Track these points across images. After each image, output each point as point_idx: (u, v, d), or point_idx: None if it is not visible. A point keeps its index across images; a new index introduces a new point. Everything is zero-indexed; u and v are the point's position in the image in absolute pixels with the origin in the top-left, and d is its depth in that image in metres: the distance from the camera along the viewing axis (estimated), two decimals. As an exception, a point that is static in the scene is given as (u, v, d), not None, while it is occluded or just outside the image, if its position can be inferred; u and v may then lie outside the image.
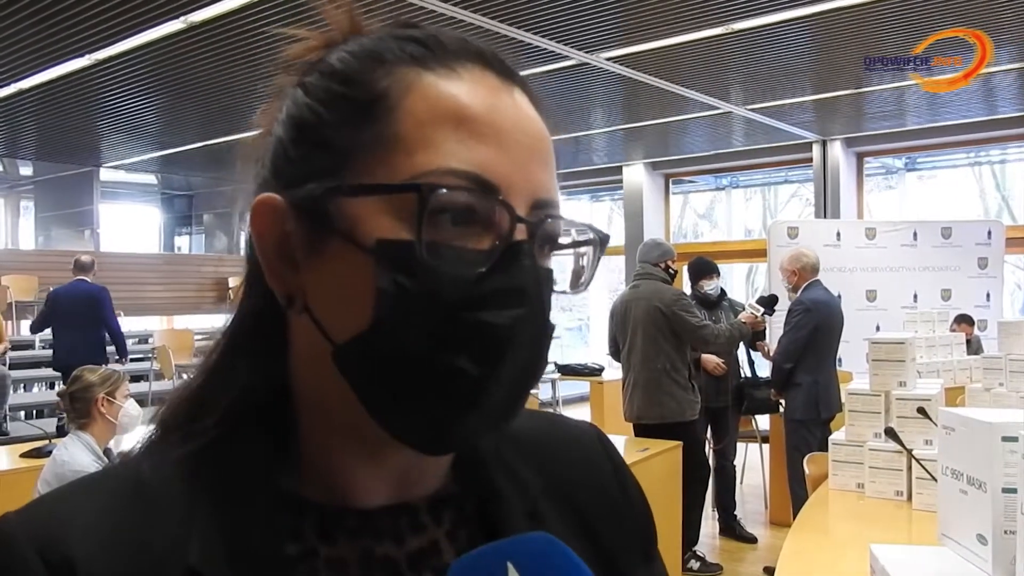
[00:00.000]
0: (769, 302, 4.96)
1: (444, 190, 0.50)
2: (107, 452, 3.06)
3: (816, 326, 4.81)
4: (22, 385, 9.38)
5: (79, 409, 3.06)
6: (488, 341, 0.51)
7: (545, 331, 0.54)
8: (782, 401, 5.07)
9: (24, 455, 3.86)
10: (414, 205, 0.50)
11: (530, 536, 0.51)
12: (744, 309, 5.48)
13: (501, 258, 0.51)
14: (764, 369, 5.85)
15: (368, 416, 0.53)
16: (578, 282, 0.60)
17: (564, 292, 0.58)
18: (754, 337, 5.11)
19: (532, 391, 0.58)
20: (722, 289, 5.40)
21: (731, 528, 5.53)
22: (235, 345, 0.60)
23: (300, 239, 0.54)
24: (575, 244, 0.59)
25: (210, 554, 0.51)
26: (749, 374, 5.69)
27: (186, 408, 0.59)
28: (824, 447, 3.49)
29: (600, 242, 0.59)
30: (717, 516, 5.64)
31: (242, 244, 0.60)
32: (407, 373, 0.51)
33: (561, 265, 0.59)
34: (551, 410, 5.15)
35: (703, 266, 5.37)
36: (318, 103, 0.55)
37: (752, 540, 5.44)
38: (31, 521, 0.53)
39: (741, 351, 5.57)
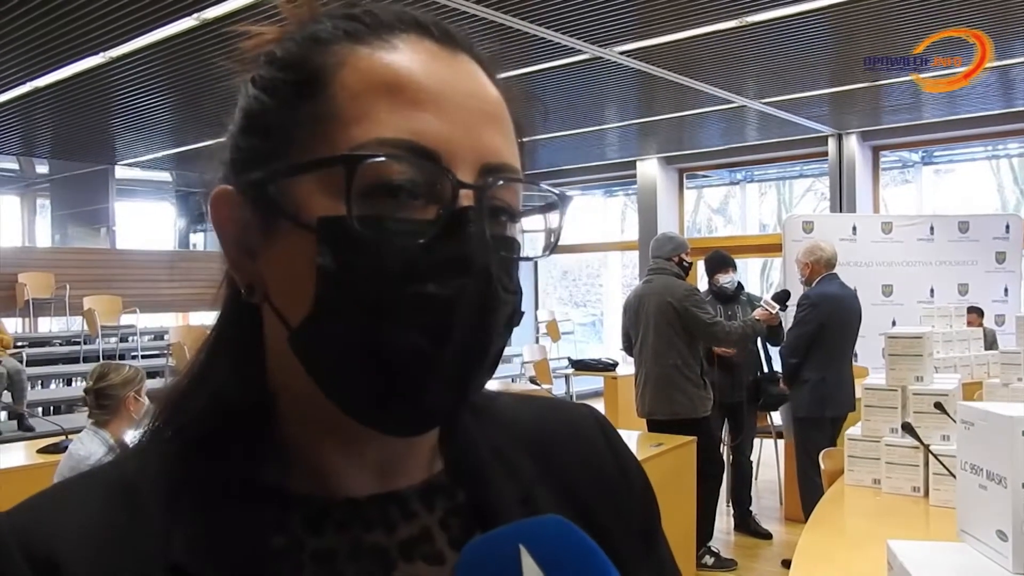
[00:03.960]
0: (782, 298, 4.93)
1: (378, 158, 0.49)
2: (121, 446, 3.08)
3: (822, 322, 4.73)
4: (39, 382, 9.46)
5: (106, 406, 3.07)
6: (432, 313, 0.49)
7: (494, 299, 0.52)
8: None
9: (41, 451, 3.89)
10: (344, 179, 0.49)
11: (542, 519, 0.50)
12: (759, 302, 5.47)
13: (445, 227, 0.50)
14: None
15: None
16: (546, 246, 0.58)
17: (531, 258, 0.57)
18: (769, 333, 5.08)
19: (498, 366, 0.57)
20: (739, 283, 5.37)
21: (746, 524, 5.51)
22: (216, 342, 0.60)
23: (254, 227, 0.54)
24: (539, 209, 0.58)
25: (194, 550, 0.51)
26: (767, 369, 5.66)
27: (172, 407, 0.60)
28: (831, 445, 3.47)
29: (560, 201, 0.58)
30: (732, 512, 5.62)
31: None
32: (354, 351, 0.50)
33: (530, 236, 0.58)
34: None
35: (719, 260, 5.34)
36: (262, 91, 0.55)
37: (767, 536, 5.42)
38: (18, 521, 0.53)
39: (759, 346, 5.54)
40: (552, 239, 0.58)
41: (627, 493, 0.68)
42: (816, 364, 4.72)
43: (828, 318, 4.76)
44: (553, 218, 0.58)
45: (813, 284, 4.93)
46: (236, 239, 0.55)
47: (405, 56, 0.53)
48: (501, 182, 0.53)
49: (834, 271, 4.92)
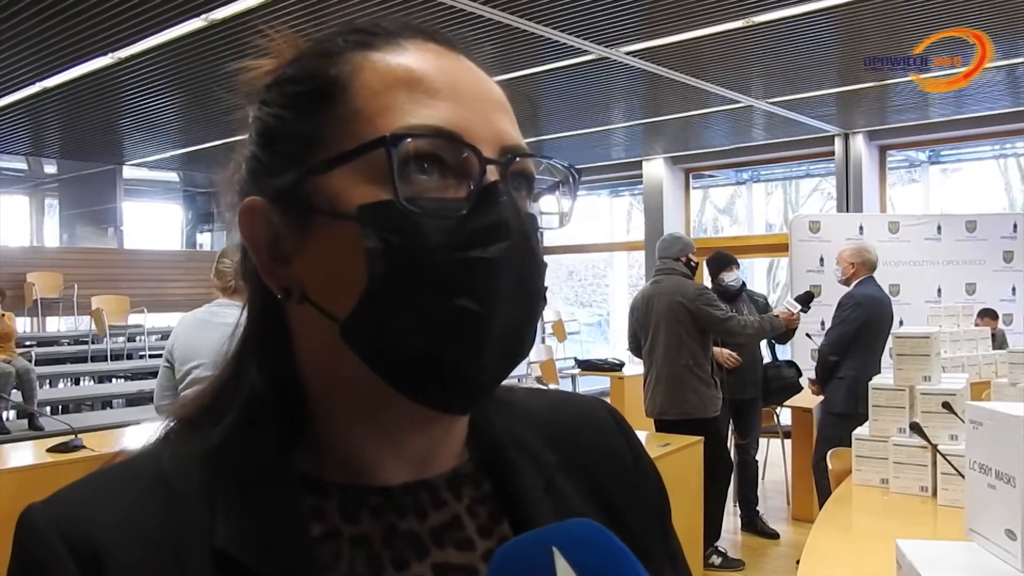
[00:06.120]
0: (806, 299, 4.92)
1: (409, 139, 0.52)
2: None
3: (866, 321, 4.78)
4: (47, 381, 9.49)
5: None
6: (481, 276, 0.52)
7: (534, 260, 0.56)
8: (819, 396, 5.01)
9: (51, 450, 3.90)
10: (385, 164, 0.52)
11: (573, 522, 0.51)
12: (762, 299, 5.48)
13: (478, 200, 0.53)
14: (792, 355, 5.84)
15: (380, 396, 0.54)
16: (561, 218, 0.62)
17: (550, 228, 0.60)
18: (787, 333, 5.09)
19: (533, 351, 0.59)
20: (743, 281, 5.38)
21: (753, 524, 5.50)
22: (243, 345, 0.63)
23: (287, 230, 0.56)
24: (551, 187, 0.61)
25: (236, 537, 0.53)
26: (770, 358, 5.64)
27: (201, 405, 0.62)
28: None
29: (573, 176, 0.61)
30: (739, 512, 5.61)
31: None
32: (411, 325, 0.52)
33: (542, 206, 0.61)
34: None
35: (723, 259, 5.35)
36: (279, 107, 0.58)
37: (774, 536, 5.41)
38: (56, 511, 0.53)
39: (763, 344, 5.54)
40: (568, 210, 0.62)
41: (643, 481, 0.70)
42: (854, 362, 4.75)
43: (870, 318, 4.81)
44: (565, 191, 0.62)
45: (852, 284, 4.95)
46: (268, 247, 0.57)
47: (416, 55, 0.56)
48: (519, 159, 0.56)
49: (872, 275, 4.96)
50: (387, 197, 0.52)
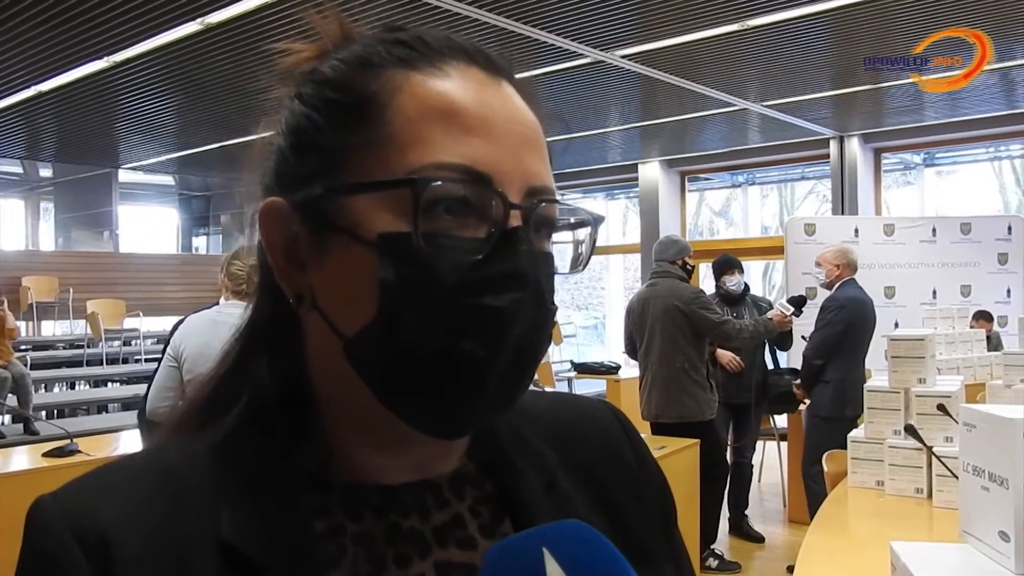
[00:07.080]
0: (798, 303, 4.93)
1: (437, 183, 0.52)
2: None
3: (849, 324, 4.78)
4: (43, 385, 9.47)
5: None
6: (490, 324, 0.53)
7: (545, 312, 0.56)
8: (805, 400, 5.02)
9: (46, 454, 3.90)
10: (410, 199, 0.52)
11: (564, 523, 0.52)
12: (766, 303, 5.47)
13: (497, 244, 0.53)
14: (788, 362, 5.83)
15: (384, 408, 0.55)
16: (576, 263, 0.62)
17: (563, 273, 0.60)
18: (781, 336, 5.08)
19: (536, 375, 0.60)
20: (746, 284, 5.38)
21: (739, 526, 5.51)
22: (251, 343, 0.63)
23: (305, 239, 0.56)
24: (571, 226, 0.61)
25: (242, 531, 0.53)
26: (772, 366, 5.64)
27: (207, 403, 0.63)
28: (844, 445, 3.47)
29: (594, 222, 0.61)
30: (728, 514, 5.61)
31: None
32: (414, 360, 0.53)
33: (559, 248, 0.60)
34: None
35: (724, 262, 5.36)
36: (313, 110, 0.58)
37: (759, 540, 5.42)
38: (65, 504, 0.54)
39: (765, 348, 5.54)
40: (583, 253, 0.62)
41: (646, 482, 0.70)
42: (839, 365, 4.76)
43: (854, 320, 4.81)
44: (582, 233, 0.62)
45: (835, 287, 4.94)
46: (285, 250, 0.58)
47: (456, 83, 0.56)
48: (544, 204, 0.56)
49: (854, 276, 4.96)
50: (407, 230, 0.52)
